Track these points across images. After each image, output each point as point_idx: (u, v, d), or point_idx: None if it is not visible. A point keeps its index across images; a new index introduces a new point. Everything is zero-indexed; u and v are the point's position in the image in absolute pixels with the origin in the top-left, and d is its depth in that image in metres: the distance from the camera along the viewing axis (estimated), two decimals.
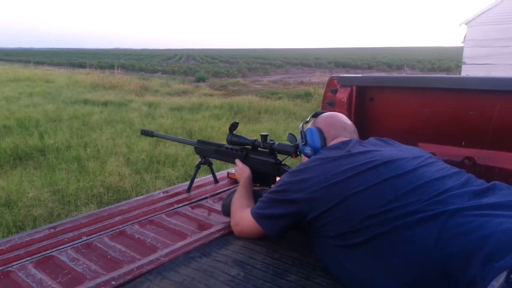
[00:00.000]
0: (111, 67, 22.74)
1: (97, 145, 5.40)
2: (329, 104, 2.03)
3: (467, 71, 15.28)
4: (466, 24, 15.69)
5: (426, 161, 1.19)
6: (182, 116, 7.96)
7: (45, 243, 1.40)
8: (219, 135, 5.92)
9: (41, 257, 1.30)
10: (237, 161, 1.71)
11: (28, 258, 1.29)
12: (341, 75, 2.15)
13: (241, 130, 1.67)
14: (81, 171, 4.35)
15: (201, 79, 18.75)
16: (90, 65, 25.93)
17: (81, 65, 30.36)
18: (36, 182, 3.89)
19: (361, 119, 1.96)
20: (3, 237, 2.46)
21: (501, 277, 0.82)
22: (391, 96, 1.92)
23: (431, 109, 1.79)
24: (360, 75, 2.11)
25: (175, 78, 19.41)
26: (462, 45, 16.28)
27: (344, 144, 1.30)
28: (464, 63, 15.75)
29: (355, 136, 1.41)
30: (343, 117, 1.48)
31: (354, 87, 1.97)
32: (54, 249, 1.35)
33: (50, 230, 1.50)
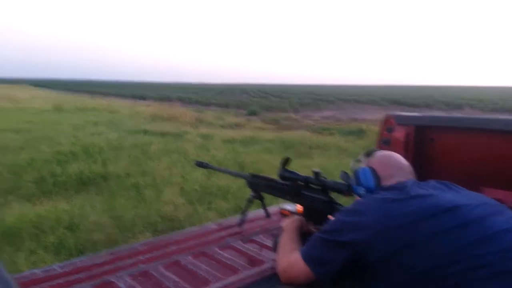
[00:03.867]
0: (170, 99, 23.96)
1: (154, 174, 5.63)
2: (385, 143, 1.99)
3: None
4: None
5: (493, 209, 1.11)
6: (234, 148, 8.12)
7: (105, 268, 1.47)
8: (270, 169, 5.95)
9: (100, 282, 1.37)
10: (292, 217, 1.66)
11: (89, 282, 1.36)
12: (398, 113, 2.11)
13: (292, 165, 1.69)
14: (139, 198, 4.54)
15: (253, 113, 19.15)
16: (150, 97, 27.51)
17: (143, 97, 32.29)
18: (98, 207, 4.12)
19: (419, 160, 1.90)
20: (64, 259, 2.60)
21: None
22: (453, 137, 1.85)
23: (497, 152, 1.70)
24: (419, 114, 2.06)
25: (228, 111, 19.99)
26: None
27: (401, 185, 1.24)
28: None
29: (411, 177, 1.35)
30: (398, 156, 1.43)
31: (413, 126, 1.92)
32: (112, 275, 1.41)
33: (110, 255, 1.57)
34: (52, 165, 6.00)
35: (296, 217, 1.61)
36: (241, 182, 5.10)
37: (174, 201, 4.31)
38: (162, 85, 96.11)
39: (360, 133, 11.23)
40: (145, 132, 10.45)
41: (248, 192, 1.97)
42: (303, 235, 1.49)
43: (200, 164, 2.18)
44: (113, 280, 1.38)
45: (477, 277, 0.92)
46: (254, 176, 1.96)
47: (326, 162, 6.80)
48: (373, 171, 1.35)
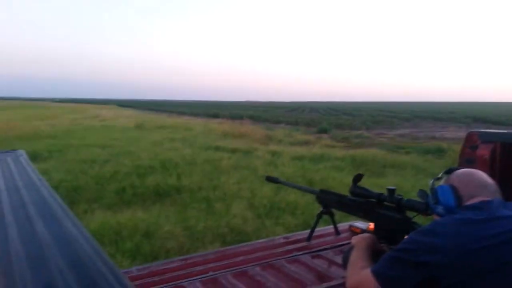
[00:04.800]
0: (241, 117, 24.64)
1: (224, 188, 5.80)
2: (468, 162, 1.85)
3: None
4: None
5: None
6: (303, 165, 8.07)
7: (177, 273, 1.53)
8: (340, 187, 5.81)
9: (173, 286, 1.43)
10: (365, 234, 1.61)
11: (162, 285, 1.43)
12: (482, 130, 1.96)
13: (363, 184, 1.63)
14: (209, 211, 4.70)
15: (323, 131, 18.93)
16: (223, 116, 28.53)
17: (215, 116, 33.59)
18: (171, 217, 4.34)
19: (507, 178, 1.73)
20: (140, 264, 2.75)
21: None
22: None
23: None
24: (505, 131, 1.90)
25: (297, 129, 19.99)
26: None
27: (485, 204, 1.15)
28: None
29: (497, 196, 1.24)
30: (482, 174, 1.32)
31: (499, 144, 1.77)
32: (184, 280, 1.47)
33: (182, 261, 1.64)
34: (132, 177, 6.44)
35: (367, 234, 1.55)
36: (310, 198, 5.05)
37: (243, 215, 4.39)
38: (234, 104, 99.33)
39: (439, 152, 10.53)
40: (217, 148, 10.82)
41: (317, 209, 1.94)
42: (374, 254, 1.43)
43: (270, 179, 2.20)
44: (184, 285, 1.43)
45: None
46: (324, 192, 1.93)
47: (401, 182, 6.46)
48: (454, 189, 1.26)
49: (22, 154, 1.55)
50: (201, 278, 1.49)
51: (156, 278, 1.49)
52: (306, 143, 13.43)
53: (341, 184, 5.97)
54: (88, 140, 12.37)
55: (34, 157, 8.85)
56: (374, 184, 6.26)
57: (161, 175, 6.60)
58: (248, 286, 1.43)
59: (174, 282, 1.45)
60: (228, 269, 1.57)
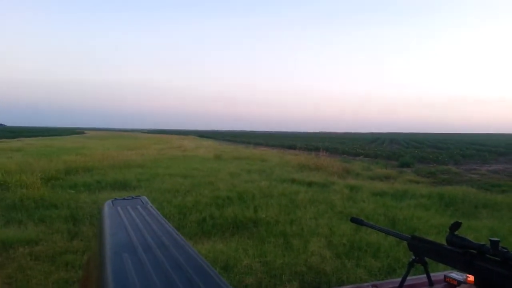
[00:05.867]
0: (317, 149, 24.40)
1: (301, 223, 5.71)
2: None
3: None
4: None
5: None
6: (384, 202, 7.67)
7: None
8: (426, 228, 5.40)
9: None
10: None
11: None
12: None
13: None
14: (287, 246, 4.64)
15: (405, 165, 17.93)
16: (299, 147, 28.53)
17: (291, 147, 33.69)
18: (249, 251, 4.35)
19: None
20: None
21: None
22: None
23: None
24: None
25: (377, 162, 19.20)
26: None
27: None
28: None
29: None
30: None
31: None
32: None
33: None
34: (212, 208, 6.65)
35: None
36: (393, 239, 4.75)
37: (321, 253, 4.25)
38: (310, 135, 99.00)
39: None
40: (293, 181, 10.77)
41: (402, 252, 1.82)
42: None
43: (355, 220, 2.13)
44: None
45: None
46: (416, 239, 1.81)
47: (497, 225, 5.82)
48: None
49: (148, 202, 1.63)
50: None
51: None
52: (387, 177, 12.81)
53: (428, 225, 5.54)
54: (172, 169, 13.10)
55: (124, 185, 9.60)
56: (465, 227, 5.73)
57: (238, 207, 6.72)
58: None
59: None
60: None
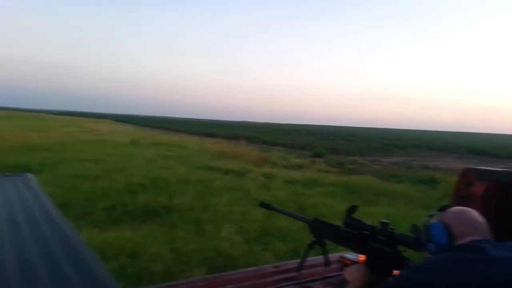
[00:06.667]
0: (237, 138, 24.66)
1: (215, 209, 5.73)
2: (461, 198, 1.84)
3: None
4: None
5: None
6: (296, 190, 8.03)
7: None
8: (332, 214, 5.76)
9: None
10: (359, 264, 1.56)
11: None
12: (479, 167, 1.95)
13: (355, 213, 1.63)
14: (199, 233, 4.62)
15: (318, 155, 18.94)
16: (219, 135, 28.55)
17: (211, 135, 33.56)
18: (159, 238, 4.25)
19: (501, 220, 1.71)
20: (123, 287, 2.67)
21: None
22: None
23: None
24: (503, 168, 1.89)
25: (292, 152, 20.00)
26: None
27: (476, 244, 1.14)
28: None
29: (488, 236, 1.23)
30: (474, 213, 1.31)
31: (495, 182, 1.76)
32: None
33: None
34: (123, 195, 6.36)
35: (360, 267, 1.51)
36: (301, 224, 4.97)
37: (232, 239, 4.31)
38: (230, 124, 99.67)
39: (432, 182, 10.54)
40: (211, 168, 10.76)
41: (308, 236, 1.90)
42: (366, 287, 1.41)
43: (264, 205, 2.17)
44: None
45: None
46: (317, 221, 1.90)
47: (392, 211, 6.43)
48: (447, 227, 1.26)
49: (32, 180, 1.53)
50: None
51: None
52: (301, 167, 13.41)
53: (333, 211, 5.92)
54: (83, 154, 12.28)
55: (26, 169, 8.74)
56: (366, 213, 6.23)
57: (152, 194, 6.53)
58: None
59: None
60: None
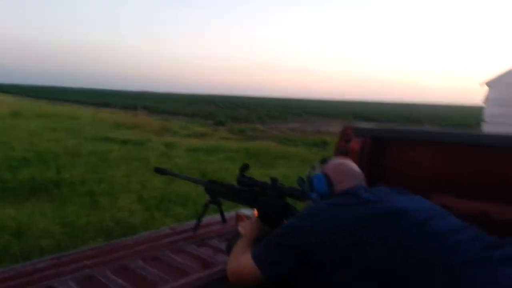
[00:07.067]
0: (135, 108, 23.49)
1: (111, 181, 5.46)
2: (342, 153, 2.03)
3: (487, 130, 15.19)
4: (487, 84, 15.82)
5: (437, 214, 1.16)
6: (197, 157, 8.04)
7: (47, 273, 1.38)
8: (233, 178, 5.92)
9: (42, 287, 1.29)
10: (253, 218, 1.60)
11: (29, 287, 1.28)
12: (355, 125, 2.17)
13: (255, 174, 1.72)
14: (93, 205, 4.37)
15: (220, 123, 19.10)
16: (114, 105, 26.85)
17: (107, 105, 31.42)
18: (48, 214, 3.92)
19: (374, 170, 1.94)
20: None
21: None
22: (405, 148, 1.91)
23: (445, 162, 1.77)
24: (374, 126, 2.12)
25: (195, 121, 19.83)
26: (483, 104, 16.32)
27: (352, 191, 1.27)
28: (485, 121, 15.70)
29: (363, 184, 1.39)
30: (351, 164, 1.46)
31: (369, 138, 1.97)
32: (55, 280, 1.34)
33: (53, 260, 1.49)
34: (2, 170, 5.69)
35: (254, 222, 1.59)
36: (202, 189, 5.02)
37: (130, 208, 4.18)
38: (127, 94, 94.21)
39: (323, 144, 11.46)
40: (106, 139, 10.15)
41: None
42: (259, 239, 1.49)
43: (159, 170, 2.14)
44: (55, 285, 1.30)
45: (415, 274, 0.95)
46: (211, 182, 1.94)
47: (289, 172, 6.85)
48: (327, 177, 1.37)
49: None
50: (74, 276, 1.37)
51: (23, 280, 1.33)
52: (203, 135, 13.40)
53: (233, 174, 6.08)
54: None
55: None
56: (265, 175, 6.54)
57: (37, 168, 5.94)
58: (128, 280, 1.36)
59: (43, 283, 1.31)
60: (107, 265, 1.47)
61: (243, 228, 1.55)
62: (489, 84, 15.73)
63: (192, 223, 1.99)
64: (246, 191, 1.75)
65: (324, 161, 1.51)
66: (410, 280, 0.95)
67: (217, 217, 2.09)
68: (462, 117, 37.20)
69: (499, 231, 1.13)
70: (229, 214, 2.17)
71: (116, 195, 4.76)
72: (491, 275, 0.89)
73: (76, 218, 3.81)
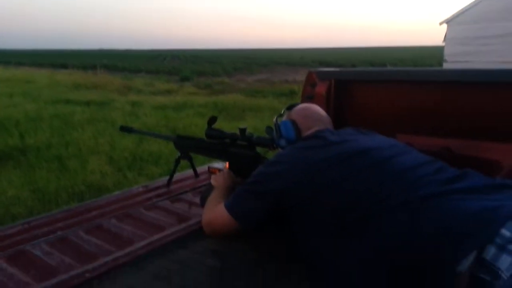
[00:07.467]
0: (94, 67, 22.41)
1: (78, 144, 5.31)
2: (308, 98, 2.04)
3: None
4: (446, 23, 16.00)
5: (401, 151, 1.20)
6: (166, 114, 7.91)
7: (18, 238, 1.37)
8: (203, 133, 5.89)
9: (13, 252, 1.27)
10: (225, 170, 1.61)
11: (2, 253, 1.26)
12: (320, 69, 2.17)
13: (225, 127, 1.71)
14: (62, 170, 4.28)
15: (186, 79, 18.64)
16: (72, 66, 25.53)
17: (63, 66, 29.77)
18: (16, 181, 3.81)
19: (340, 112, 1.98)
20: None
21: (472, 257, 0.84)
22: (368, 89, 1.95)
23: (408, 101, 1.82)
24: (338, 69, 2.12)
25: (159, 78, 19.25)
26: (443, 44, 16.59)
27: (319, 134, 1.29)
28: (446, 61, 16.07)
29: (329, 126, 1.41)
30: (317, 108, 1.48)
31: (333, 81, 1.98)
32: (28, 244, 1.32)
33: (24, 225, 1.47)
34: None
35: (226, 173, 1.60)
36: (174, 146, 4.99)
37: (101, 170, 4.12)
38: (84, 53, 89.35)
39: (291, 94, 11.49)
40: (67, 101, 9.76)
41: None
42: (233, 190, 1.51)
43: (125, 129, 2.09)
44: (28, 248, 1.29)
45: (379, 211, 0.99)
46: (180, 137, 1.92)
47: (259, 123, 6.88)
48: (293, 123, 1.38)
49: None
50: (47, 239, 1.36)
51: None
52: (169, 92, 13.08)
53: (204, 130, 6.06)
54: None
55: None
56: (235, 128, 6.49)
57: None
58: (102, 239, 1.36)
59: (15, 248, 1.29)
60: (80, 226, 1.47)
61: (215, 180, 1.56)
62: (448, 23, 15.94)
63: (164, 179, 1.99)
64: (216, 143, 1.75)
65: (290, 107, 1.52)
66: (372, 217, 0.99)
67: (189, 172, 2.10)
68: (424, 58, 37.95)
69: (460, 165, 1.19)
70: (202, 168, 2.18)
71: (85, 158, 4.66)
72: (449, 207, 0.93)
73: (47, 183, 3.73)
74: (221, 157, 1.76)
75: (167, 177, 1.98)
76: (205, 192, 1.58)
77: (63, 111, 8.11)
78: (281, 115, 1.49)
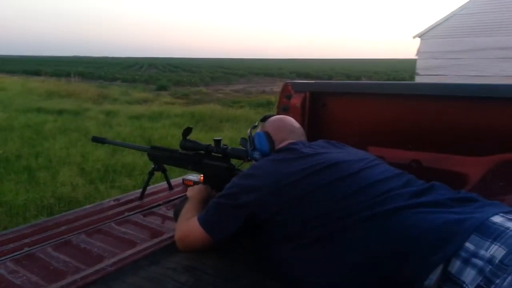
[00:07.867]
0: (68, 75, 21.94)
1: (49, 154, 5.16)
2: (284, 110, 2.06)
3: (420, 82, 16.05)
4: (419, 37, 16.53)
5: (370, 164, 1.21)
6: (141, 124, 7.79)
7: None
8: (179, 144, 5.84)
9: None
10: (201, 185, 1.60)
11: None
12: (295, 81, 2.19)
13: (202, 139, 1.69)
14: (32, 182, 4.13)
15: (162, 88, 18.49)
16: (45, 73, 24.92)
17: (36, 73, 29.02)
18: None
19: (314, 124, 2.00)
20: None
21: (438, 271, 0.86)
22: (342, 102, 1.98)
23: (380, 113, 1.85)
24: (313, 81, 2.15)
25: (135, 87, 19.01)
26: (416, 57, 17.11)
27: (292, 146, 1.30)
28: (418, 74, 16.55)
29: (303, 138, 1.42)
30: (290, 120, 1.48)
31: (308, 93, 2.00)
32: None
33: None
34: None
35: (201, 186, 1.58)
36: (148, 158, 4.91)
37: (72, 182, 4.00)
38: (59, 60, 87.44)
39: (269, 104, 11.56)
40: (39, 110, 9.50)
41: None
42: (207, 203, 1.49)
43: (97, 140, 2.04)
44: None
45: (347, 224, 1.00)
46: (154, 148, 1.89)
47: (235, 134, 6.87)
48: (267, 135, 1.38)
49: None
50: (13, 256, 1.30)
51: None
52: (145, 101, 12.94)
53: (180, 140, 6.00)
54: None
55: None
56: (211, 138, 6.48)
57: None
58: (71, 255, 1.32)
59: None
60: (48, 242, 1.41)
61: (189, 192, 1.55)
62: (421, 37, 16.47)
63: (137, 192, 1.94)
64: (190, 155, 1.73)
65: (264, 119, 1.52)
66: (342, 231, 1.00)
67: (163, 184, 2.06)
68: (398, 71, 39.03)
69: (429, 177, 1.22)
70: (176, 180, 2.15)
71: (56, 169, 4.52)
72: (415, 221, 0.94)
73: (14, 196, 3.59)
74: (196, 168, 1.75)
75: (140, 190, 1.94)
76: (179, 205, 1.55)
77: (34, 120, 7.88)
78: (255, 127, 1.49)
